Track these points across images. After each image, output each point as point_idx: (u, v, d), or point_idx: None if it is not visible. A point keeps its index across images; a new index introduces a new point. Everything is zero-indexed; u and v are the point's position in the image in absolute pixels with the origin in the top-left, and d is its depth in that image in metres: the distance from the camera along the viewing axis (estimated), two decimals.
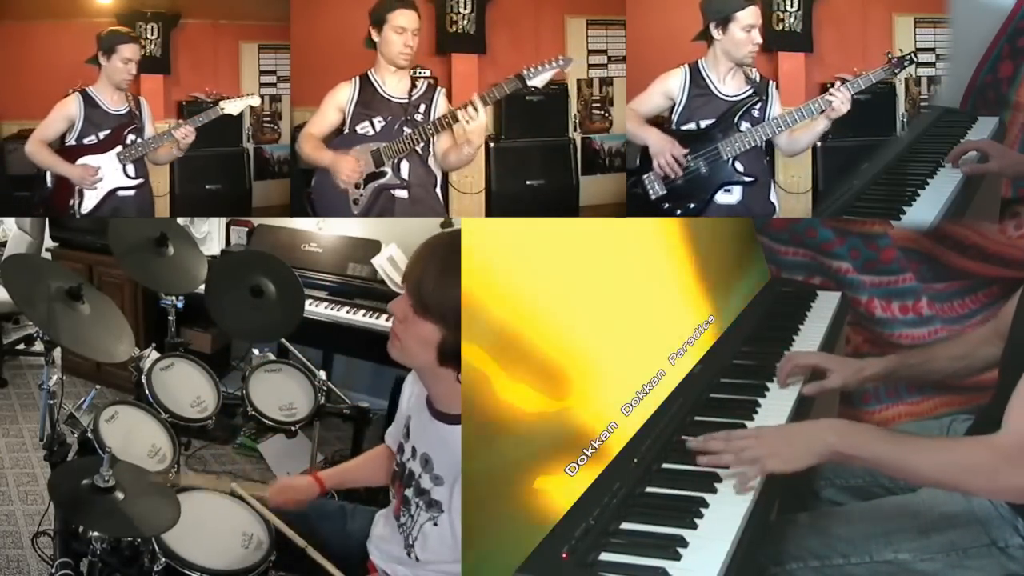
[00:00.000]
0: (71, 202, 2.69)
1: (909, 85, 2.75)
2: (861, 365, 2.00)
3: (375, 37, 2.56)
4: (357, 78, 2.60)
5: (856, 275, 2.63)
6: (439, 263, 1.55)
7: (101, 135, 2.68)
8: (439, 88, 2.63)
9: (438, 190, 2.63)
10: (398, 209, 2.60)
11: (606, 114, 2.93)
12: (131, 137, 2.70)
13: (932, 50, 2.67)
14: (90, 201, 2.69)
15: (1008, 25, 2.53)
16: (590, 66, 2.87)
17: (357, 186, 2.58)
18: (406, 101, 2.59)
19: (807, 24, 2.74)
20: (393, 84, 2.59)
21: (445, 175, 2.67)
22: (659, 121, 2.51)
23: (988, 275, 2.59)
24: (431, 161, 2.60)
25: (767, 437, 1.61)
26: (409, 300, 1.58)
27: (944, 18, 2.67)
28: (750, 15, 2.38)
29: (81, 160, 2.67)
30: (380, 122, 2.58)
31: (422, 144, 2.57)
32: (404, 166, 2.58)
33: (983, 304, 2.63)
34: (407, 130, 2.56)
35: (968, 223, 2.50)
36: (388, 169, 2.57)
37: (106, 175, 2.68)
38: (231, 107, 2.71)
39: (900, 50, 2.43)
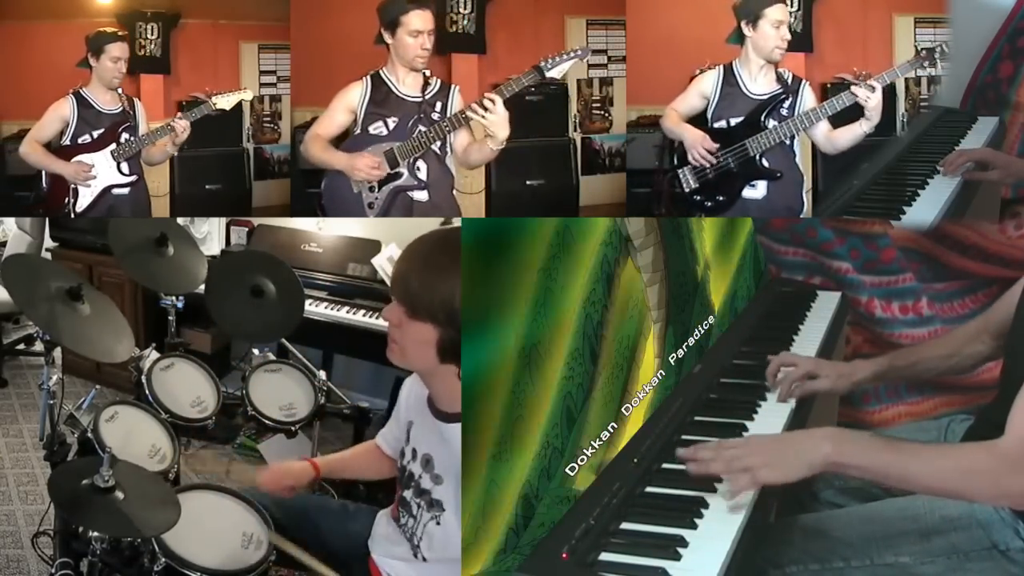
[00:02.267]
0: (66, 201, 2.69)
1: (909, 85, 2.75)
2: (850, 370, 1.97)
3: (387, 39, 2.48)
4: (368, 77, 2.53)
5: (856, 275, 2.64)
6: (421, 262, 1.55)
7: (95, 134, 2.69)
8: (454, 87, 2.57)
9: (455, 191, 2.58)
10: (417, 212, 2.54)
11: (606, 114, 2.93)
12: (125, 135, 2.71)
13: (932, 50, 2.67)
14: (85, 199, 2.70)
15: (1008, 25, 2.53)
16: (590, 66, 2.87)
17: (372, 189, 2.51)
18: (420, 100, 2.52)
19: (807, 24, 2.74)
20: (407, 81, 2.52)
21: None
22: (696, 120, 2.56)
23: (988, 275, 2.59)
24: (449, 160, 2.54)
25: (760, 446, 1.56)
26: (400, 305, 1.57)
27: (944, 18, 2.68)
28: (779, 11, 2.43)
29: (75, 159, 2.68)
30: (394, 121, 2.51)
31: (439, 142, 2.50)
32: (421, 166, 2.52)
33: (983, 304, 2.63)
34: (422, 128, 2.49)
35: (968, 223, 2.50)
36: (404, 170, 2.51)
37: (100, 173, 2.69)
38: (223, 102, 2.70)
39: (930, 41, 2.47)
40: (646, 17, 2.75)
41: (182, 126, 2.65)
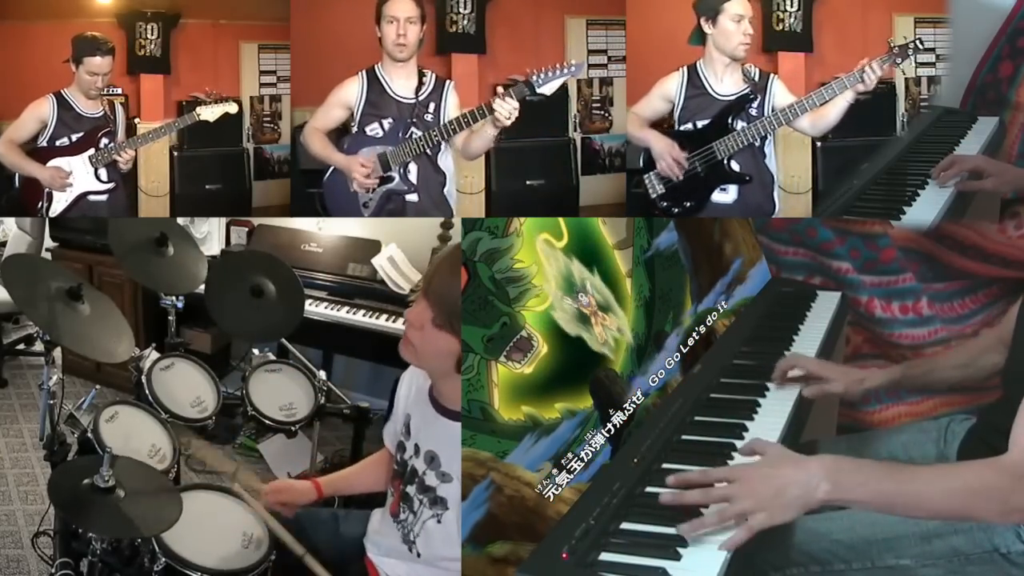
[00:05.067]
0: (39, 204, 2.67)
1: (909, 85, 2.75)
2: (862, 376, 1.96)
3: (378, 33, 2.52)
4: (364, 74, 2.56)
5: (856, 275, 2.63)
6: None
7: (74, 137, 2.67)
8: (448, 82, 2.58)
9: (446, 191, 2.58)
10: (410, 212, 2.56)
11: (606, 114, 2.93)
12: (104, 141, 2.68)
13: (932, 50, 2.67)
14: (59, 204, 2.67)
15: (1008, 25, 2.53)
16: (590, 66, 2.87)
17: (368, 189, 2.54)
18: (413, 101, 2.53)
19: (807, 24, 2.74)
20: (400, 82, 2.54)
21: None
22: (661, 123, 2.53)
23: (988, 275, 2.59)
24: (441, 160, 2.55)
25: (751, 486, 1.44)
26: (429, 311, 1.56)
27: (944, 18, 2.67)
28: (739, 5, 2.40)
29: (52, 162, 2.65)
30: (388, 123, 2.53)
31: (432, 146, 2.52)
32: (412, 169, 2.54)
33: (983, 304, 2.63)
34: (416, 132, 2.51)
35: (968, 223, 2.50)
36: (395, 174, 2.52)
37: (77, 178, 2.66)
38: (207, 113, 2.70)
39: (904, 37, 2.44)
40: (646, 17, 2.74)
41: (125, 158, 2.65)
